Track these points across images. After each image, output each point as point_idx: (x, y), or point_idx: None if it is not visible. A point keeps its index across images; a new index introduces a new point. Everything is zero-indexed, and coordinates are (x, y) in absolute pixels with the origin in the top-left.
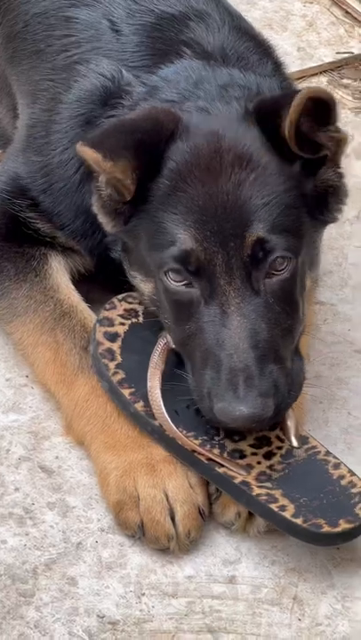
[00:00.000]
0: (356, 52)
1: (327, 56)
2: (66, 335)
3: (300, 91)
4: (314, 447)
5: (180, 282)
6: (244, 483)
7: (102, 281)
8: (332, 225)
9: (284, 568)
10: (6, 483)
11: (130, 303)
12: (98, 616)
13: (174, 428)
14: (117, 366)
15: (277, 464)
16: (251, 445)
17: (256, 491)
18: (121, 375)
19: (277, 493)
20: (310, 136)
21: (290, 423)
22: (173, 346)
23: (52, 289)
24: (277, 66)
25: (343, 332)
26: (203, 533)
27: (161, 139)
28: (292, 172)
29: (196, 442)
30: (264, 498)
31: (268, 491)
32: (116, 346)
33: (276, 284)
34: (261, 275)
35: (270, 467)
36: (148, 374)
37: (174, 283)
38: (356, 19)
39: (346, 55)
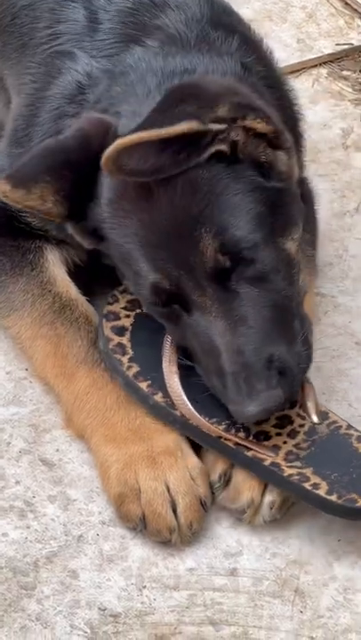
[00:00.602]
0: (355, 43)
1: (327, 47)
2: (68, 328)
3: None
4: (335, 422)
5: (158, 304)
6: (274, 464)
7: (96, 273)
8: (331, 217)
9: (286, 560)
10: (7, 476)
11: (131, 294)
12: (99, 609)
13: (198, 415)
14: (130, 360)
15: (303, 442)
16: (274, 426)
17: (287, 471)
18: (135, 368)
19: (308, 472)
20: None
21: (308, 400)
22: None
23: (49, 282)
24: (247, 42)
25: (344, 324)
26: (204, 525)
27: (90, 155)
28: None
29: (220, 427)
30: (296, 478)
31: (299, 470)
32: (125, 339)
33: (251, 273)
34: (234, 274)
35: (296, 445)
36: (164, 365)
37: (155, 306)
38: (355, 10)
39: (346, 47)
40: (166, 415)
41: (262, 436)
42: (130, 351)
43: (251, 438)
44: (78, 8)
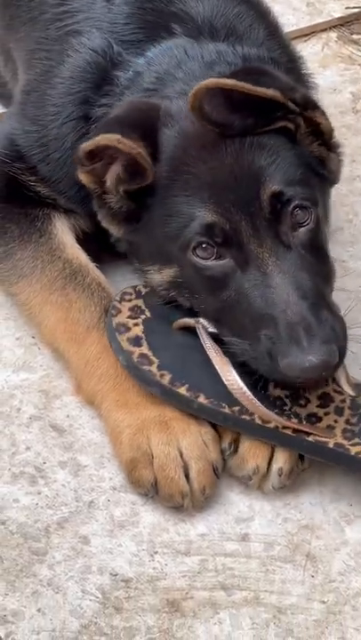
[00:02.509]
0: None
1: (336, 11)
2: (80, 293)
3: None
4: None
5: (209, 257)
6: (338, 445)
7: (102, 243)
8: (342, 182)
9: (297, 525)
10: (17, 442)
11: (129, 300)
12: (111, 574)
13: (261, 405)
14: (159, 368)
15: (351, 417)
16: (318, 406)
17: (353, 450)
18: (168, 375)
19: None
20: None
21: (340, 374)
22: (209, 328)
23: (58, 249)
24: (271, 31)
25: (355, 289)
26: (216, 491)
27: (147, 127)
28: (283, 138)
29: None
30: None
31: None
32: (145, 349)
33: (304, 234)
34: (288, 228)
35: (347, 422)
36: (214, 360)
37: (203, 260)
38: None
39: (356, 10)
40: (215, 415)
41: (313, 418)
42: (155, 359)
43: (304, 423)
44: None
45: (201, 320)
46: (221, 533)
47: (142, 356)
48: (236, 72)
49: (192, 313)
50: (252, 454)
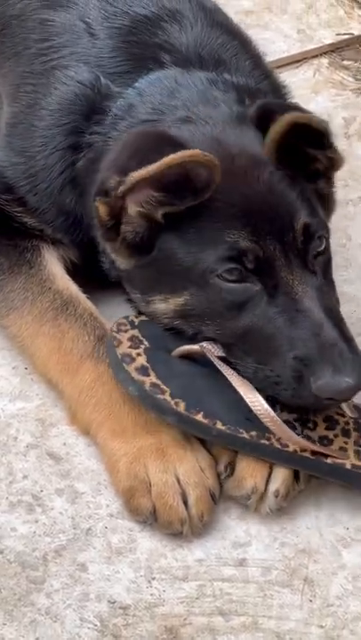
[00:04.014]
0: (356, 32)
1: (327, 38)
2: (72, 323)
3: (294, 108)
4: None
5: (236, 280)
6: (355, 466)
7: (89, 273)
8: (336, 207)
9: (294, 550)
10: (15, 470)
11: (125, 331)
12: (109, 601)
13: (287, 429)
14: (172, 396)
15: (359, 438)
16: (326, 429)
17: None
18: (182, 403)
19: None
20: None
21: None
22: (218, 352)
23: (48, 280)
24: (255, 60)
25: (348, 313)
26: (213, 517)
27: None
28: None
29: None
30: None
31: None
32: (154, 377)
33: (322, 262)
34: (312, 257)
35: (356, 443)
36: (236, 385)
37: (228, 283)
38: (355, 0)
39: (346, 36)
40: (234, 440)
41: (325, 441)
42: (166, 388)
43: (318, 445)
44: (75, 21)
45: (205, 345)
46: (219, 558)
47: (154, 385)
48: (289, 108)
49: (191, 340)
50: (249, 474)
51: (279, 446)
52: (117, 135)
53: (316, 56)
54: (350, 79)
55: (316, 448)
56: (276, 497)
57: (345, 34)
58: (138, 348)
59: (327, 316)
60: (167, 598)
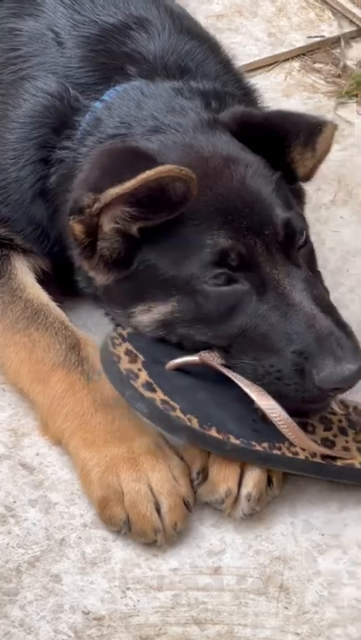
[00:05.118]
0: (327, 35)
1: (298, 41)
2: (43, 333)
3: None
4: (355, 406)
5: (223, 284)
6: None
7: (60, 282)
8: (307, 210)
9: (269, 557)
10: None
11: (120, 345)
12: (83, 612)
13: (303, 433)
14: (183, 412)
15: (356, 435)
16: (325, 430)
17: None
18: (194, 419)
19: None
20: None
21: None
22: (217, 359)
23: (19, 289)
24: (224, 64)
25: None
26: (187, 525)
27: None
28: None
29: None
30: None
31: None
32: (161, 394)
33: (306, 255)
34: (295, 250)
35: (354, 440)
36: (252, 393)
37: (216, 287)
38: (326, 2)
39: (317, 39)
40: (247, 454)
41: (328, 443)
42: (174, 404)
43: (325, 448)
44: (43, 30)
45: (204, 354)
46: (193, 567)
47: (163, 401)
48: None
49: (180, 348)
50: (222, 478)
51: (290, 455)
52: (87, 151)
53: (287, 59)
54: (322, 82)
55: (326, 451)
56: (249, 500)
57: (316, 36)
58: (136, 362)
59: (318, 307)
60: (142, 608)
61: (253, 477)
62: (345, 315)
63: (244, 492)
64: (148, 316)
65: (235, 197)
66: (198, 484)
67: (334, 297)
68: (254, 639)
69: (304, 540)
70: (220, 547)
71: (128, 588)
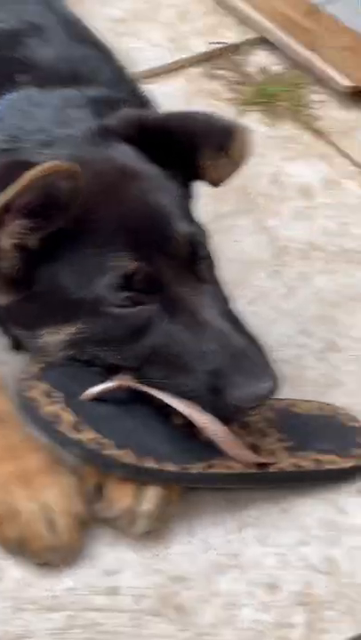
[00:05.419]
0: (229, 41)
1: (199, 47)
2: None
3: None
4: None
5: (129, 305)
6: (296, 465)
7: None
8: (208, 220)
9: (167, 576)
10: None
11: (35, 387)
12: None
13: (242, 445)
14: (117, 447)
15: (276, 433)
16: (248, 435)
17: (305, 465)
18: (130, 451)
19: (312, 456)
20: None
21: None
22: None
23: None
24: (118, 72)
25: None
26: (83, 544)
27: None
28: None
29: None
30: (313, 466)
31: (306, 458)
32: (90, 432)
33: (208, 268)
34: (200, 266)
35: (279, 440)
36: (184, 410)
37: (122, 309)
38: (228, 8)
39: (219, 45)
40: (185, 478)
41: (255, 449)
42: (106, 441)
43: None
44: None
45: (118, 377)
46: (89, 587)
47: (94, 440)
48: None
49: (90, 366)
50: (118, 495)
51: (226, 470)
52: None
53: (188, 66)
54: (224, 89)
55: (261, 459)
56: (148, 518)
57: (218, 43)
58: (56, 402)
59: (229, 323)
60: (35, 629)
61: (153, 493)
62: None
63: (143, 508)
64: (56, 337)
65: (135, 214)
66: (94, 500)
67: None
68: None
69: (202, 560)
70: (116, 566)
71: (21, 609)
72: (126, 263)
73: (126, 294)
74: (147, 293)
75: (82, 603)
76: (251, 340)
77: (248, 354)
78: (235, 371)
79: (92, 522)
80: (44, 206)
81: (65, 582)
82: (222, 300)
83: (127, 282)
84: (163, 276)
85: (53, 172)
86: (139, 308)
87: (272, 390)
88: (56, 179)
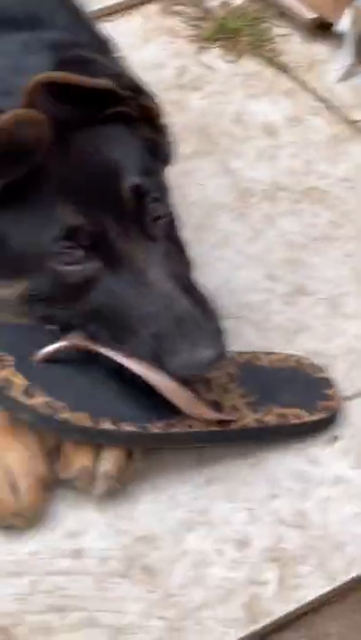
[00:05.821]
0: None
1: None
2: None
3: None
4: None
5: (73, 262)
6: (260, 421)
7: None
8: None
9: (133, 537)
10: None
11: None
12: None
13: (199, 403)
14: (72, 409)
15: (237, 388)
16: (208, 392)
17: (270, 420)
18: (85, 413)
19: (275, 410)
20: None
21: None
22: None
23: None
24: (75, 14)
25: None
26: (46, 506)
27: None
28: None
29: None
30: (275, 421)
31: (269, 413)
32: (43, 395)
33: (165, 225)
34: (149, 221)
35: (241, 395)
36: (137, 369)
37: (67, 266)
38: None
39: None
40: (144, 439)
41: (218, 405)
42: (61, 403)
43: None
44: None
45: (70, 336)
46: (53, 550)
47: (47, 405)
48: (62, 62)
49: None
50: (76, 455)
51: (187, 428)
52: None
53: (145, 2)
54: (183, 25)
55: (220, 416)
56: (107, 478)
57: None
58: (6, 367)
59: (177, 285)
60: None
61: (112, 453)
62: (210, 273)
63: (101, 469)
64: (9, 291)
65: (83, 169)
66: (55, 461)
67: (198, 254)
68: (118, 626)
69: (170, 517)
70: (80, 527)
71: None
72: (71, 217)
73: (70, 250)
74: (92, 250)
75: (45, 566)
76: (201, 305)
77: (193, 319)
78: (175, 336)
79: (54, 483)
80: (9, 154)
81: (28, 546)
82: (175, 261)
83: (71, 237)
84: (108, 233)
85: (20, 120)
86: (82, 265)
87: (214, 359)
88: (22, 126)
